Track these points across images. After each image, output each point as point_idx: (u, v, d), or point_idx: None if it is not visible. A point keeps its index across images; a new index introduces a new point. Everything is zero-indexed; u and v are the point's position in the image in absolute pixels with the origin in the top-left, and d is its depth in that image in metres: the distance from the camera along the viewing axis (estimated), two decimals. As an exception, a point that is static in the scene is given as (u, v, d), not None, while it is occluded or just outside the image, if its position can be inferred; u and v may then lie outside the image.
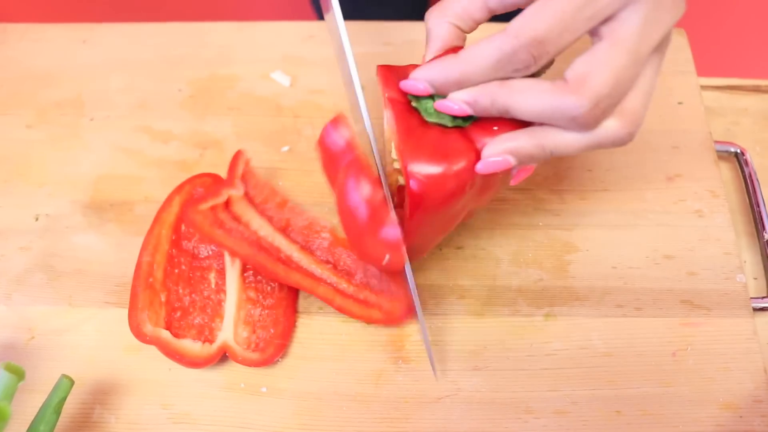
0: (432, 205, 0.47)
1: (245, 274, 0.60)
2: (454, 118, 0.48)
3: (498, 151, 0.45)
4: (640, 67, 0.43)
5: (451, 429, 0.55)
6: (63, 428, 0.56)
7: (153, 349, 0.56)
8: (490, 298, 0.60)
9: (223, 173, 0.64)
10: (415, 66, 0.49)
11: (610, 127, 0.44)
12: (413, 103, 0.49)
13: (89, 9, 1.55)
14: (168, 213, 0.61)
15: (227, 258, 0.60)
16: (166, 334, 0.56)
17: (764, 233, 0.63)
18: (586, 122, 0.43)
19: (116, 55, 0.75)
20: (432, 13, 0.48)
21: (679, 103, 0.70)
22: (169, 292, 0.59)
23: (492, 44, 0.43)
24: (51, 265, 0.63)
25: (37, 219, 0.65)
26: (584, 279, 0.61)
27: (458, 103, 0.46)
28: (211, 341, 0.57)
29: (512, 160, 0.46)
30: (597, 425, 0.55)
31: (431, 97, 0.48)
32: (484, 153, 0.46)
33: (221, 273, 0.60)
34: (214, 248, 0.60)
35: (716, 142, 0.68)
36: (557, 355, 0.58)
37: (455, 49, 0.48)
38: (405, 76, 0.49)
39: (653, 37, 0.43)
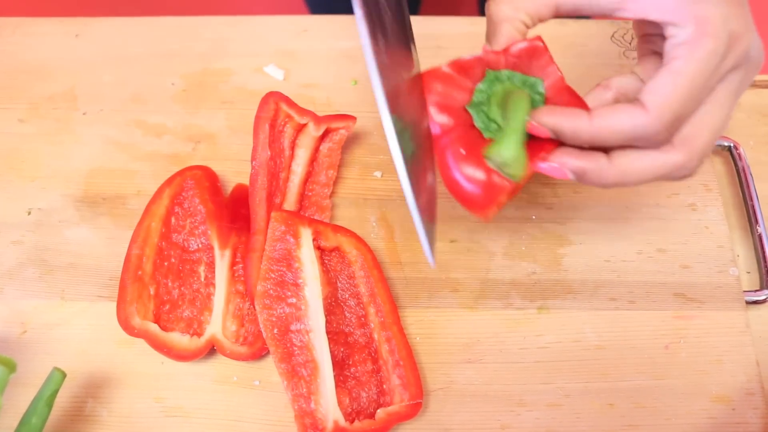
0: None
1: (234, 268, 0.59)
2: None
3: (566, 164, 0.46)
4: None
5: (443, 421, 0.55)
6: (55, 422, 0.55)
7: (145, 343, 0.56)
8: (483, 291, 0.60)
9: (215, 167, 0.64)
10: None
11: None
12: (476, 122, 0.49)
13: (82, 3, 1.55)
14: (158, 205, 0.61)
15: (217, 251, 0.59)
16: (154, 327, 0.56)
17: (757, 227, 0.63)
18: (688, 176, 0.46)
19: (109, 49, 0.74)
20: (501, 7, 0.47)
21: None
22: (158, 285, 0.59)
23: (633, 119, 0.43)
24: (43, 259, 0.63)
25: (29, 213, 0.65)
26: (577, 272, 0.61)
27: (566, 170, 0.46)
28: (199, 334, 0.57)
29: (571, 176, 0.47)
30: (590, 418, 0.55)
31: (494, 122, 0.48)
32: (555, 157, 0.47)
33: (211, 266, 0.60)
34: (203, 241, 0.60)
35: (710, 135, 0.67)
36: (550, 348, 0.58)
37: (580, 103, 0.48)
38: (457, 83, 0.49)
39: (743, 91, 0.46)
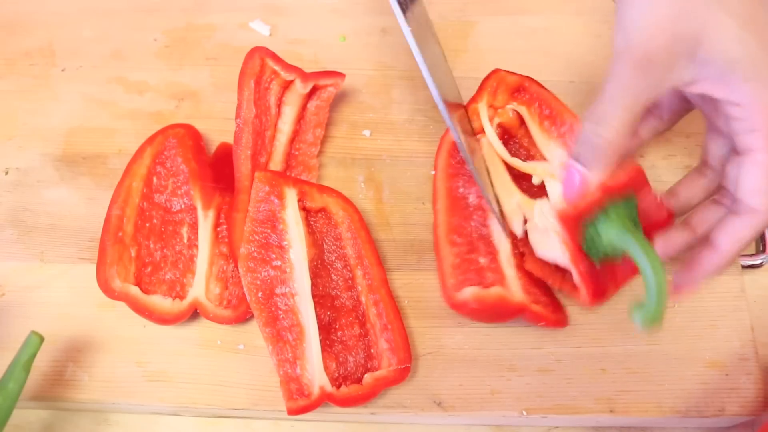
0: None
1: (218, 229, 0.58)
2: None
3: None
4: None
5: (432, 386, 0.54)
6: (35, 386, 0.54)
7: (127, 306, 0.55)
8: (473, 254, 0.59)
9: (199, 125, 0.62)
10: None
11: None
12: (587, 248, 0.49)
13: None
14: (139, 165, 0.59)
15: (200, 212, 0.58)
16: (135, 290, 0.55)
17: (755, 189, 0.61)
18: None
19: (89, 2, 0.72)
20: (613, 136, 0.44)
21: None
22: (140, 246, 0.57)
23: (754, 227, 0.45)
24: (22, 220, 0.61)
25: (6, 173, 0.63)
26: (571, 235, 0.59)
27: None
28: (182, 297, 0.56)
29: None
30: (581, 383, 0.54)
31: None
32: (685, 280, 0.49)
33: (194, 227, 0.58)
34: (186, 202, 0.59)
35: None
36: (542, 312, 0.57)
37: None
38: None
39: None
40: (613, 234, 0.47)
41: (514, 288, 0.54)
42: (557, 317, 0.55)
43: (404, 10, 0.52)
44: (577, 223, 0.47)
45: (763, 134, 0.42)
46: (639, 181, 0.49)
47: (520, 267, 0.55)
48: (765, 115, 0.42)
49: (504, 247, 0.55)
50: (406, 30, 0.51)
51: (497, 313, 0.53)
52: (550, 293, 0.56)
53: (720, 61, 0.42)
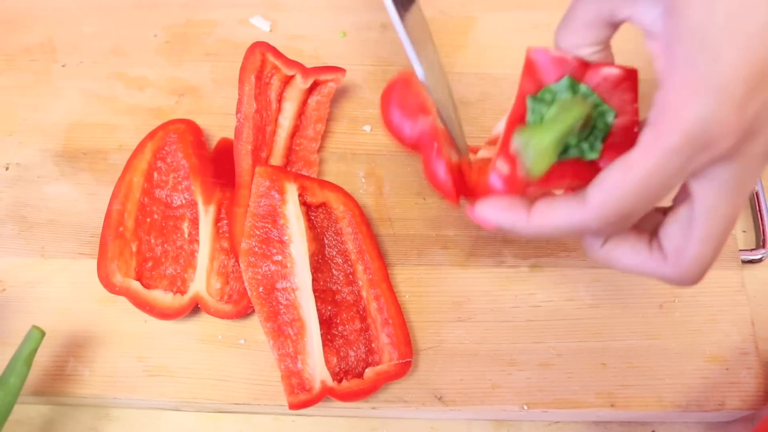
0: None
1: (219, 224, 0.58)
2: None
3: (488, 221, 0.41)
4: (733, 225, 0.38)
5: (433, 381, 0.54)
6: (36, 381, 0.54)
7: (128, 301, 0.55)
8: (474, 249, 0.59)
9: (200, 121, 0.62)
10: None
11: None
12: (532, 107, 0.42)
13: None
14: (140, 160, 0.59)
15: (201, 207, 0.58)
16: (136, 285, 0.55)
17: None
18: (682, 284, 0.41)
19: (89, -3, 0.72)
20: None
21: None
22: (141, 241, 0.57)
23: (569, 217, 0.37)
24: (22, 216, 0.61)
25: (7, 168, 0.63)
26: (571, 230, 0.59)
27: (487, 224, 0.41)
28: (183, 292, 0.56)
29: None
30: (582, 377, 0.54)
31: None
32: (479, 209, 0.41)
33: (195, 222, 0.58)
34: (187, 197, 0.59)
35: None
36: (543, 306, 0.57)
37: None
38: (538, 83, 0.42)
39: (748, 184, 0.36)
40: (565, 98, 0.40)
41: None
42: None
43: (402, 12, 0.50)
44: (539, 75, 0.42)
45: (654, 135, 0.34)
46: (626, 87, 0.41)
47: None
48: (677, 105, 0.33)
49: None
50: (403, 34, 0.51)
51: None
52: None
53: (675, 12, 0.33)
